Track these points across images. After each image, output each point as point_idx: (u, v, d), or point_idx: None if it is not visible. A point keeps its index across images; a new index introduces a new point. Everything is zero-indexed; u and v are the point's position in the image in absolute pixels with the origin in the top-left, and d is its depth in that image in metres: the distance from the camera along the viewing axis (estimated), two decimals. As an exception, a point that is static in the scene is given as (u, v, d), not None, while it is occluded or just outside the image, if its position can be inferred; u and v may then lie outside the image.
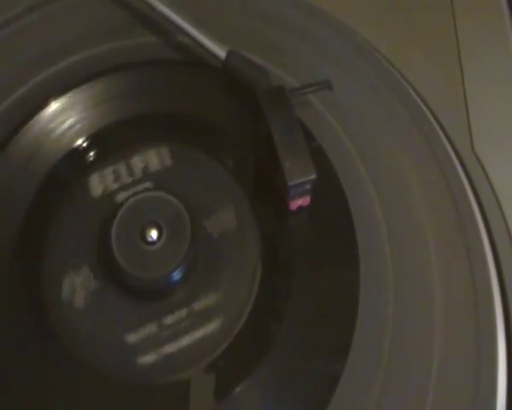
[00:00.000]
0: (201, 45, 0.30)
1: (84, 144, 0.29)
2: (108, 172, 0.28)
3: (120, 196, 0.28)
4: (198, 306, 0.26)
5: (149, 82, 0.31)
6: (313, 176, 0.26)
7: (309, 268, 0.27)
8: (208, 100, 0.31)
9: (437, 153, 0.29)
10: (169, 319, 0.26)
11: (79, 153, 0.29)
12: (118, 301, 0.26)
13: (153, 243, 0.26)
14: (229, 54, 0.30)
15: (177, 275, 0.26)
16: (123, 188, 0.28)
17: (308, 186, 0.26)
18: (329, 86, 0.29)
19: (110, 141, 0.29)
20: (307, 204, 0.27)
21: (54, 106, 0.30)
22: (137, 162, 0.29)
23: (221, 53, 0.30)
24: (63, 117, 0.30)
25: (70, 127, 0.30)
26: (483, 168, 0.30)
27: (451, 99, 0.31)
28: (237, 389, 0.25)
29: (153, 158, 0.29)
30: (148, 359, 0.25)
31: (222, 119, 0.30)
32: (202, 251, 0.27)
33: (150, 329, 0.26)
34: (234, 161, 0.29)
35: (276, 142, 0.26)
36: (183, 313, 0.26)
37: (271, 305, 0.26)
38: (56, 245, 0.27)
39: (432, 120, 0.30)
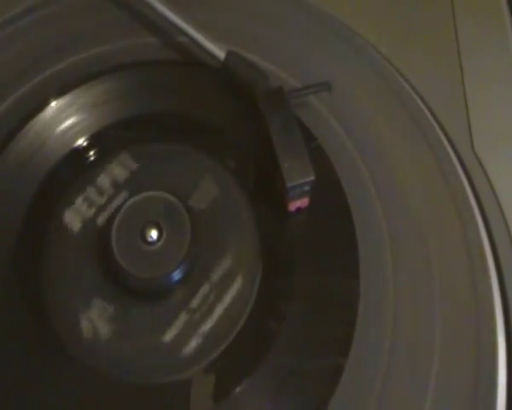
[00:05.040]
0: (200, 46, 0.30)
1: (85, 144, 0.29)
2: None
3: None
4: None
5: (149, 82, 0.31)
6: (312, 177, 0.26)
7: (309, 268, 0.27)
8: (208, 100, 0.31)
9: (437, 153, 0.29)
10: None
11: (80, 153, 0.29)
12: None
13: (153, 242, 0.26)
14: (229, 54, 0.30)
15: (177, 275, 0.26)
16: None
17: (307, 188, 0.26)
18: (328, 87, 0.29)
19: (110, 141, 0.29)
20: (306, 206, 0.27)
21: (54, 106, 0.30)
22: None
23: (220, 54, 0.30)
24: (63, 117, 0.30)
25: (70, 127, 0.30)
26: (483, 168, 0.30)
27: (451, 99, 0.31)
28: (238, 389, 0.25)
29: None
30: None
31: (222, 119, 0.30)
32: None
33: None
34: (234, 161, 0.29)
35: (275, 143, 0.26)
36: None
37: (271, 305, 0.26)
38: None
39: (432, 120, 0.30)
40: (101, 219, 0.27)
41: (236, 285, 0.26)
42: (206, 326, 0.26)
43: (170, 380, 0.25)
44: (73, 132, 0.30)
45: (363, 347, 0.25)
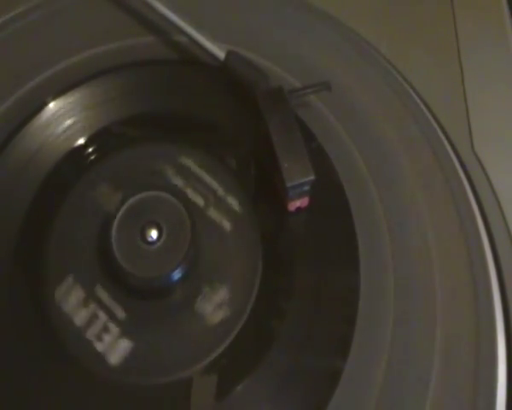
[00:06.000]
0: (200, 46, 0.30)
1: (85, 144, 0.29)
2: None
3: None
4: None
5: (149, 82, 0.31)
6: (311, 177, 0.26)
7: (310, 268, 0.27)
8: (208, 99, 0.31)
9: (437, 153, 0.29)
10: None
11: (80, 153, 0.29)
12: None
13: (153, 242, 0.26)
14: (229, 54, 0.30)
15: (177, 275, 0.26)
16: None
17: (307, 187, 0.26)
18: (328, 87, 0.29)
19: (110, 141, 0.29)
20: (305, 206, 0.27)
21: (54, 106, 0.30)
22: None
23: (220, 53, 0.30)
24: (63, 117, 0.30)
25: (70, 128, 0.30)
26: (483, 168, 0.30)
27: (451, 99, 0.31)
28: (238, 389, 0.25)
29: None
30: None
31: (222, 118, 0.30)
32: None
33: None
34: (234, 161, 0.29)
35: (275, 143, 0.26)
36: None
37: (272, 304, 0.26)
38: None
39: (432, 120, 0.30)
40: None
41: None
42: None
43: (170, 380, 0.25)
44: (73, 132, 0.30)
45: (363, 345, 0.25)
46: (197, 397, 0.25)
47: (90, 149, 0.29)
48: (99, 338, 0.25)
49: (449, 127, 0.31)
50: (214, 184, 0.28)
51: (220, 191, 0.28)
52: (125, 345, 0.25)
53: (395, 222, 0.28)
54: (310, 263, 0.27)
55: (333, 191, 0.28)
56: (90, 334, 0.25)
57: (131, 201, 0.26)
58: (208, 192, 0.28)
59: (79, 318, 0.26)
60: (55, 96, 0.30)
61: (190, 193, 0.28)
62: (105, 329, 0.26)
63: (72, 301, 0.26)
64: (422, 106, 0.31)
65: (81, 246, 0.27)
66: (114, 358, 0.25)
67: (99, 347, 0.25)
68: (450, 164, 0.29)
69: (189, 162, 0.29)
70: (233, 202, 0.28)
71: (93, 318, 0.26)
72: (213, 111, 0.30)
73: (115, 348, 0.25)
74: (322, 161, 0.29)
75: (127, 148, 0.29)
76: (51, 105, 0.30)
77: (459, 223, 0.28)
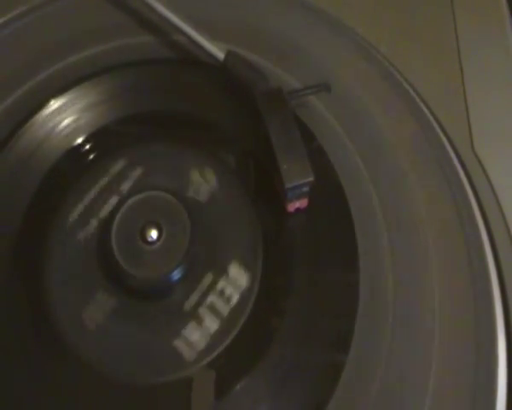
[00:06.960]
0: (200, 46, 0.30)
1: (84, 143, 0.29)
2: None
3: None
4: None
5: (149, 81, 0.31)
6: (311, 178, 0.26)
7: (310, 267, 0.27)
8: (208, 99, 0.31)
9: (437, 153, 0.29)
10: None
11: (80, 151, 0.29)
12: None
13: (153, 242, 0.26)
14: (228, 54, 0.29)
15: (176, 275, 0.26)
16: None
17: (306, 189, 0.26)
18: (328, 89, 0.29)
19: (110, 140, 0.30)
20: (305, 207, 0.27)
21: (54, 105, 0.30)
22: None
23: (219, 54, 0.30)
24: (63, 116, 0.30)
25: (70, 126, 0.30)
26: (483, 168, 0.30)
27: (451, 99, 0.31)
28: (238, 387, 0.25)
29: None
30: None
31: (222, 118, 0.30)
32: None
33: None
34: (233, 161, 0.29)
35: (274, 144, 0.26)
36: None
37: (272, 304, 0.26)
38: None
39: (432, 120, 0.30)
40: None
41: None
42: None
43: (171, 379, 0.25)
44: (73, 131, 0.30)
45: (363, 343, 0.25)
46: (198, 396, 0.25)
47: (90, 148, 0.29)
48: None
49: (449, 127, 0.30)
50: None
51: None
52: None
53: (394, 222, 0.28)
54: (309, 264, 0.27)
55: (332, 192, 0.28)
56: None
57: (131, 201, 0.26)
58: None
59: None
60: (55, 95, 0.30)
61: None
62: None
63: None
64: (422, 106, 0.31)
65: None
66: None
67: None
68: (450, 164, 0.29)
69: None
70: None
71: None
72: (213, 111, 0.30)
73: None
74: (321, 162, 0.29)
75: (126, 147, 0.29)
76: (51, 104, 0.30)
77: (459, 223, 0.28)
